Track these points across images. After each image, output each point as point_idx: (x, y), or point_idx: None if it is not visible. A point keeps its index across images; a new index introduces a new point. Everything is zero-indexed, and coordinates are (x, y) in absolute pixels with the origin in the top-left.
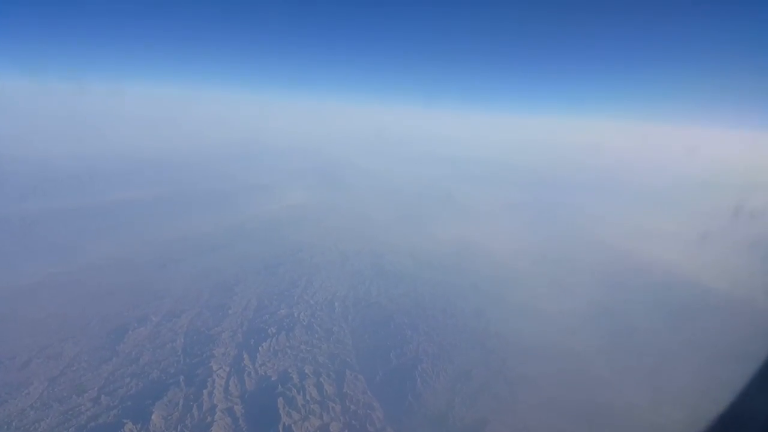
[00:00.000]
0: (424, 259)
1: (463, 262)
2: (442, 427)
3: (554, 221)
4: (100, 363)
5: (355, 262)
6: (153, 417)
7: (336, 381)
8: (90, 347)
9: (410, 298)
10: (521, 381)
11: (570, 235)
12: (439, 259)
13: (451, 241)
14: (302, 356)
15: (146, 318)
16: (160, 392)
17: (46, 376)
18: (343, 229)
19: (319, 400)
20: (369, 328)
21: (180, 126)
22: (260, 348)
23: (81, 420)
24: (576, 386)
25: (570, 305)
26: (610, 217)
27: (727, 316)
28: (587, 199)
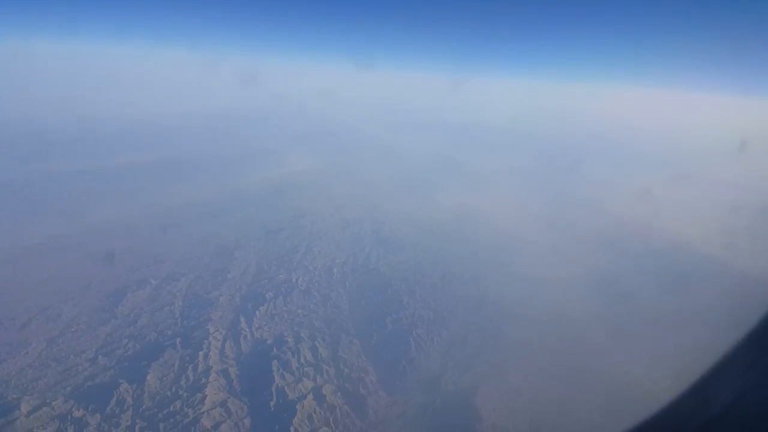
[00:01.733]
0: (425, 226)
1: (464, 230)
2: (434, 391)
3: (559, 188)
4: (98, 324)
5: (356, 228)
6: (148, 378)
7: (331, 345)
8: (89, 309)
9: (409, 264)
10: (516, 347)
11: (574, 201)
12: (440, 226)
13: (454, 208)
14: (299, 320)
15: (145, 281)
16: (157, 354)
17: (45, 337)
18: (346, 196)
19: (313, 363)
20: (366, 294)
21: (187, 89)
22: (257, 312)
23: (78, 380)
24: (570, 352)
25: (570, 272)
26: (616, 184)
27: (728, 284)
28: (594, 166)
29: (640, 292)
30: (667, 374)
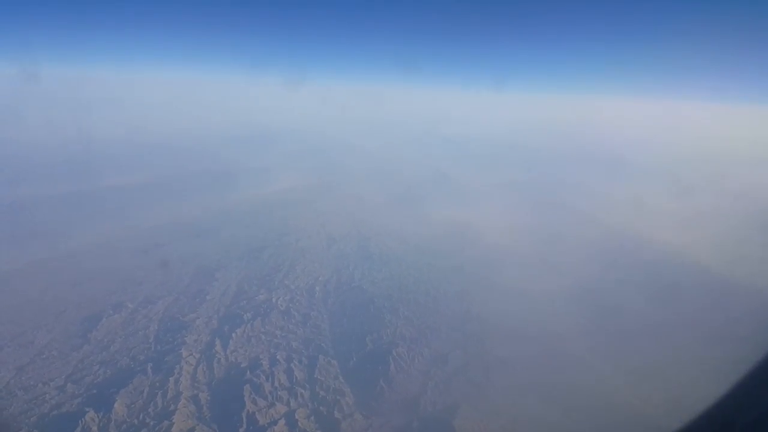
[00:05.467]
0: (412, 241)
1: (452, 244)
2: (412, 412)
3: (551, 200)
4: (70, 350)
5: (342, 245)
6: (116, 405)
7: (308, 367)
8: (63, 335)
9: (394, 281)
10: (498, 364)
11: (565, 213)
12: (428, 241)
13: (443, 222)
14: (276, 342)
15: (122, 304)
16: (127, 380)
17: (15, 365)
18: (333, 212)
19: (287, 387)
20: (348, 313)
21: (177, 110)
22: (234, 334)
23: (44, 408)
24: (554, 369)
25: (557, 285)
26: (608, 195)
27: (716, 295)
28: (587, 177)
29: (628, 305)
30: (655, 390)
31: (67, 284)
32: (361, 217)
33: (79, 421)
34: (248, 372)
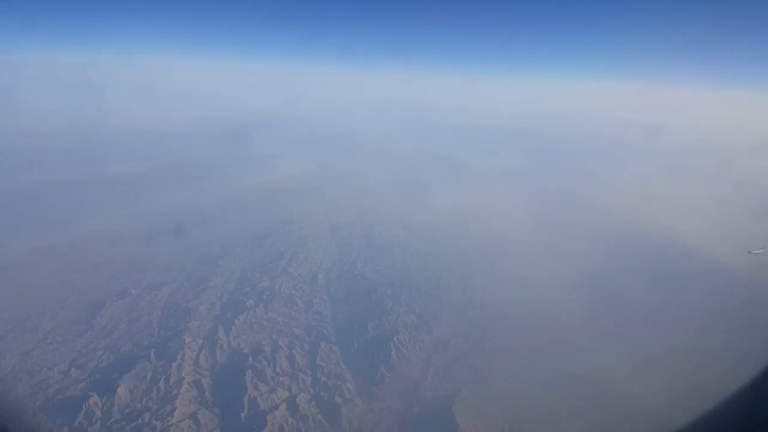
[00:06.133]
0: (416, 229)
1: (456, 232)
2: (412, 398)
3: (556, 188)
4: (74, 336)
5: (345, 233)
6: (119, 390)
7: (309, 353)
8: (67, 320)
9: (396, 269)
10: (500, 352)
11: (572, 201)
12: (432, 229)
13: (447, 210)
14: (278, 328)
15: (126, 291)
16: (130, 365)
17: (20, 350)
18: (337, 200)
19: (289, 372)
20: (350, 300)
21: (186, 98)
22: (236, 321)
23: (48, 393)
24: (556, 357)
25: (561, 274)
26: (616, 183)
27: (722, 284)
28: (595, 166)
29: (631, 293)
30: (656, 377)
31: (71, 271)
32: (365, 204)
33: (83, 405)
34: (250, 358)
